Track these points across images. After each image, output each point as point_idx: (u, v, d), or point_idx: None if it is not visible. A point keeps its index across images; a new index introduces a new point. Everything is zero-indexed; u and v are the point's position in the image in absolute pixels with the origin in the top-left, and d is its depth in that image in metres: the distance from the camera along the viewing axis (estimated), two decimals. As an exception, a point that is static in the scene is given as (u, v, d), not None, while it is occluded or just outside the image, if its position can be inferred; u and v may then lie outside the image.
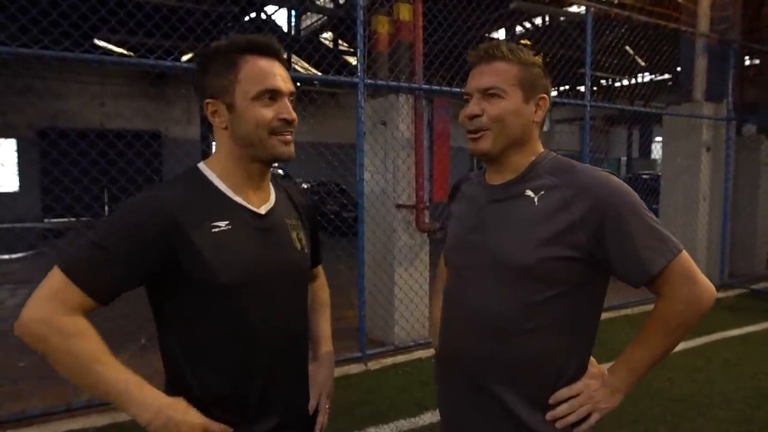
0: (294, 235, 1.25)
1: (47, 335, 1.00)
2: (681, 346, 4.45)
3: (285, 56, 1.18)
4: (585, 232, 1.13)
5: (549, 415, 1.18)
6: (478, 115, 1.21)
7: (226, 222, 1.12)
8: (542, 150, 1.27)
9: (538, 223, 1.16)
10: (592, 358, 1.25)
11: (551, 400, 1.19)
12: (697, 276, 1.13)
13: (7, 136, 15.17)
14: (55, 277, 1.02)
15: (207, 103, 1.15)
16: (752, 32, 7.05)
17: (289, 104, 1.15)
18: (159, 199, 1.08)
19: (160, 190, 1.10)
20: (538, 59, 1.24)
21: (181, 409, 1.05)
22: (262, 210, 1.20)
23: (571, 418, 1.18)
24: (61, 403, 3.31)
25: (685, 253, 1.14)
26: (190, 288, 1.09)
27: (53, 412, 3.27)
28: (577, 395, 1.18)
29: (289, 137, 1.16)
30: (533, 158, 1.25)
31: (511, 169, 1.25)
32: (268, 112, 1.12)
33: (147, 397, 1.03)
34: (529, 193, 1.20)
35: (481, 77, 1.21)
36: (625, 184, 1.17)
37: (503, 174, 1.26)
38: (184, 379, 1.13)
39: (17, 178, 15.64)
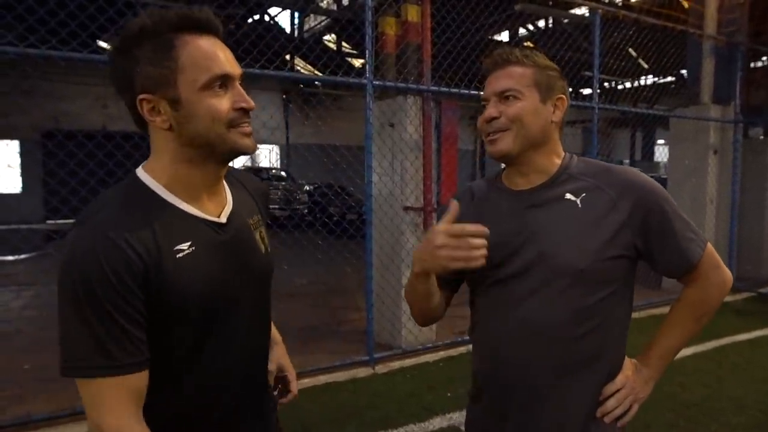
0: (257, 235, 1.13)
1: None
2: (691, 350, 4.42)
3: (221, 29, 0.98)
4: (632, 229, 1.16)
5: (599, 411, 1.21)
6: (495, 117, 1.21)
7: (188, 243, 0.96)
8: (563, 152, 1.27)
9: (591, 226, 1.17)
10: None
11: (601, 397, 1.22)
12: (720, 262, 1.24)
13: (11, 137, 15.20)
14: (84, 390, 0.88)
15: (141, 99, 0.93)
16: (759, 35, 7.01)
17: (242, 90, 0.98)
18: (107, 230, 0.88)
19: (99, 221, 0.89)
20: (552, 63, 1.26)
21: None
22: (222, 218, 1.04)
23: (618, 411, 1.21)
24: (66, 407, 3.28)
25: (709, 243, 1.24)
26: (160, 317, 0.94)
27: (58, 416, 3.24)
28: (621, 388, 1.22)
29: (248, 128, 0.99)
30: (559, 161, 1.25)
31: (537, 172, 1.24)
32: (223, 103, 0.94)
33: None
34: (570, 196, 1.20)
35: (497, 81, 1.22)
36: (651, 179, 1.22)
37: (528, 177, 1.25)
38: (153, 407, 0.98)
39: (20, 179, 15.68)
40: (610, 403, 1.20)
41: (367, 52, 4.09)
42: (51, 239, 11.56)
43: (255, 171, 15.99)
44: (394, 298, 4.62)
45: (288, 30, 17.15)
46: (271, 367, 1.29)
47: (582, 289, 1.16)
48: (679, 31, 6.25)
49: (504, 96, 1.20)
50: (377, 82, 4.17)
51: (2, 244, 8.68)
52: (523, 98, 1.19)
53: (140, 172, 0.99)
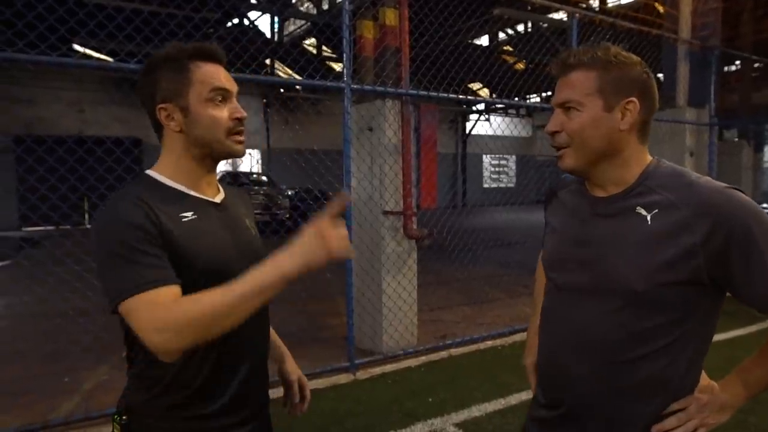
0: (247, 222, 1.33)
1: (185, 325, 0.99)
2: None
3: (227, 62, 1.25)
4: (706, 253, 1.03)
5: (655, 428, 1.11)
6: (557, 131, 1.15)
7: (191, 212, 1.17)
8: (649, 159, 1.16)
9: (654, 247, 1.06)
10: (702, 372, 1.17)
11: (663, 412, 1.11)
12: None
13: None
14: (136, 305, 1.02)
15: (160, 108, 1.18)
16: (733, 39, 7.15)
17: (237, 104, 1.22)
18: (130, 197, 1.10)
19: (123, 193, 1.13)
20: (633, 57, 1.14)
21: (316, 228, 1.04)
22: (217, 199, 1.27)
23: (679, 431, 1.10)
24: (37, 420, 3.18)
25: None
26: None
27: (30, 430, 3.13)
28: (686, 408, 1.11)
29: (241, 137, 1.23)
30: (640, 170, 1.14)
31: (613, 182, 1.15)
32: (223, 113, 1.19)
33: (284, 257, 1.03)
34: (641, 210, 1.10)
35: (559, 91, 1.16)
36: (753, 201, 1.06)
37: (604, 187, 1.17)
38: (157, 372, 1.14)
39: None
40: (669, 422, 1.10)
41: (344, 55, 4.05)
42: (22, 248, 11.29)
43: (235, 175, 15.84)
44: (375, 303, 4.58)
45: (268, 34, 17.06)
46: (293, 377, 1.47)
47: (637, 312, 1.08)
48: (654, 36, 6.33)
49: (565, 107, 1.14)
50: (355, 86, 4.14)
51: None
52: (582, 110, 1.11)
53: (148, 171, 1.23)
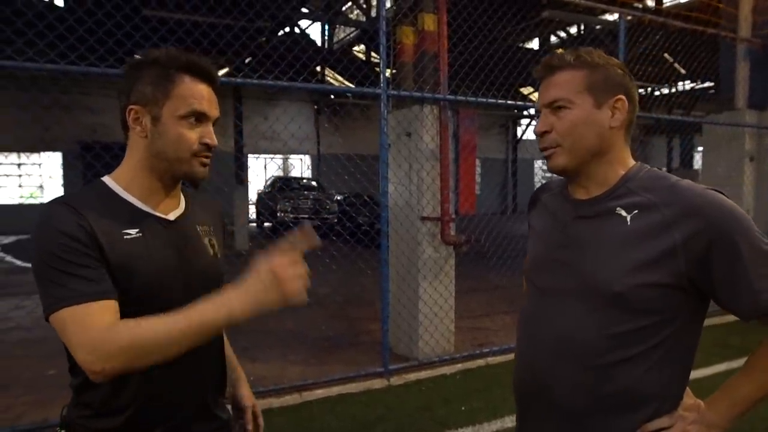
0: (206, 241, 1.25)
1: (118, 350, 0.96)
2: (725, 367, 4.22)
3: (218, 81, 1.19)
4: (687, 257, 1.02)
5: None
6: (547, 132, 1.14)
7: (136, 230, 1.11)
8: (633, 162, 1.16)
9: (633, 246, 1.05)
10: (687, 389, 1.14)
11: (640, 431, 1.08)
12: None
13: (53, 149, 15.81)
14: (66, 319, 0.98)
15: (131, 108, 1.12)
16: (798, 36, 6.71)
17: (212, 129, 1.16)
18: (70, 203, 1.06)
19: (64, 199, 1.07)
20: (613, 59, 1.15)
21: (267, 266, 0.98)
22: (171, 216, 1.19)
23: None
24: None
25: None
26: None
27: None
28: (670, 427, 1.07)
29: (207, 160, 1.16)
30: (623, 171, 1.14)
31: (598, 183, 1.15)
32: (192, 135, 1.13)
33: (234, 295, 0.98)
34: (621, 211, 1.09)
35: (546, 91, 1.15)
36: (737, 205, 1.04)
37: (588, 188, 1.17)
38: (90, 393, 1.09)
39: (63, 190, 16.27)
40: None
41: (381, 62, 4.09)
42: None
43: (286, 180, 16.19)
44: (411, 309, 4.57)
45: (318, 42, 17.38)
46: (247, 402, 1.37)
47: (617, 314, 1.06)
48: (710, 35, 6.04)
49: (554, 107, 1.13)
50: (392, 92, 4.16)
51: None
52: (573, 107, 1.11)
53: (105, 178, 1.17)
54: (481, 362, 4.57)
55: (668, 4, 10.90)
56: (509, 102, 4.83)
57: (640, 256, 1.04)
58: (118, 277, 1.05)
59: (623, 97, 1.12)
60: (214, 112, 1.16)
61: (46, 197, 16.41)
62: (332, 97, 18.78)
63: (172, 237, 1.17)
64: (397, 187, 4.66)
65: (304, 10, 14.38)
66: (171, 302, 1.06)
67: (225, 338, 1.37)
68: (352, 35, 17.57)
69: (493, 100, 4.66)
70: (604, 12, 9.55)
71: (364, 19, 15.42)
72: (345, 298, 6.95)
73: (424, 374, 4.31)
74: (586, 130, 1.11)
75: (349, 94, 18.21)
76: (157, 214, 1.17)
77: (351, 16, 16.41)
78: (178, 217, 1.20)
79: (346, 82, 18.14)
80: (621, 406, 1.08)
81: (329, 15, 14.50)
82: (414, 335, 4.57)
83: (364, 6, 14.86)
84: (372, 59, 17.82)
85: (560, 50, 1.21)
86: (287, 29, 14.68)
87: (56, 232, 1.01)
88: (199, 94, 1.13)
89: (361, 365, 4.35)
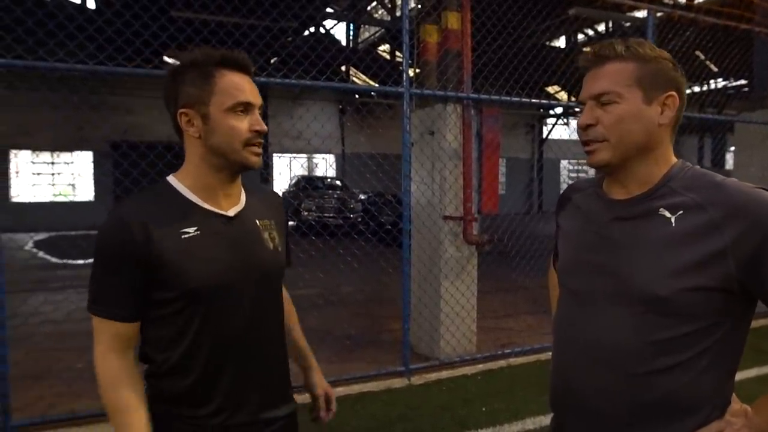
0: (266, 235, 1.29)
1: (99, 381, 1.16)
2: (755, 372, 4.11)
3: (253, 71, 1.25)
4: (736, 259, 0.97)
5: None
6: (591, 125, 1.09)
7: (195, 228, 1.17)
8: (674, 160, 1.11)
9: (678, 249, 1.00)
10: (734, 394, 1.10)
11: None
12: None
13: (83, 148, 16.17)
14: (95, 322, 1.16)
15: (181, 112, 1.18)
16: (837, 32, 6.48)
17: (259, 117, 1.21)
18: (125, 216, 1.14)
19: (125, 206, 1.16)
20: (664, 52, 1.09)
21: None
22: (231, 212, 1.23)
23: None
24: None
25: None
26: (163, 294, 1.15)
27: (102, 413, 3.35)
28: None
29: (258, 148, 1.21)
30: (665, 170, 1.09)
31: (639, 182, 1.09)
32: (242, 124, 1.17)
33: None
34: (665, 212, 1.04)
35: (593, 83, 1.09)
36: None
37: (628, 187, 1.11)
38: (149, 381, 1.22)
39: (93, 188, 16.64)
40: None
41: (404, 60, 4.08)
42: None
43: (309, 179, 16.28)
44: (432, 309, 4.55)
45: (343, 41, 17.44)
46: (318, 390, 1.50)
47: (661, 319, 1.01)
48: (743, 30, 5.87)
49: (601, 100, 1.07)
50: (415, 91, 4.15)
51: (76, 248, 9.20)
52: (622, 101, 1.05)
53: (170, 177, 1.24)
54: (502, 363, 4.53)
55: (699, 0, 10.64)
56: (533, 101, 4.78)
57: (687, 259, 0.99)
58: (176, 275, 1.13)
59: (674, 93, 1.07)
60: (257, 99, 1.20)
61: (78, 195, 16.81)
62: (356, 96, 18.83)
63: (231, 233, 1.21)
64: (419, 185, 4.65)
65: (329, 10, 14.44)
66: (231, 296, 1.19)
67: (296, 330, 1.51)
68: (376, 35, 17.58)
69: (517, 99, 4.62)
70: (632, 9, 9.36)
71: (388, 18, 15.42)
72: (367, 297, 6.96)
73: (445, 374, 4.29)
74: (635, 126, 1.05)
75: (372, 93, 18.24)
76: (218, 210, 1.21)
77: (376, 15, 16.42)
78: (238, 213, 1.24)
79: (370, 81, 18.17)
80: (666, 415, 1.04)
81: (353, 14, 14.53)
82: (435, 335, 4.55)
83: (389, 5, 14.86)
84: (396, 58, 17.81)
85: (608, 41, 1.15)
86: (312, 29, 14.78)
87: (108, 241, 1.14)
88: (240, 84, 1.18)
89: (382, 364, 4.35)
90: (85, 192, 16.83)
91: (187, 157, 1.23)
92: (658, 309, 1.01)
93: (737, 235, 0.97)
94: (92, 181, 16.73)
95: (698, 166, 1.10)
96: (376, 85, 16.11)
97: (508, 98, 4.51)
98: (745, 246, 0.97)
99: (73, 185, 17.04)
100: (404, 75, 4.08)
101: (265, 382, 1.27)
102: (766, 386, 3.92)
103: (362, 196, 15.20)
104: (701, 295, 0.99)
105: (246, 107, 1.18)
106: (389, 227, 7.68)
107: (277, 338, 1.31)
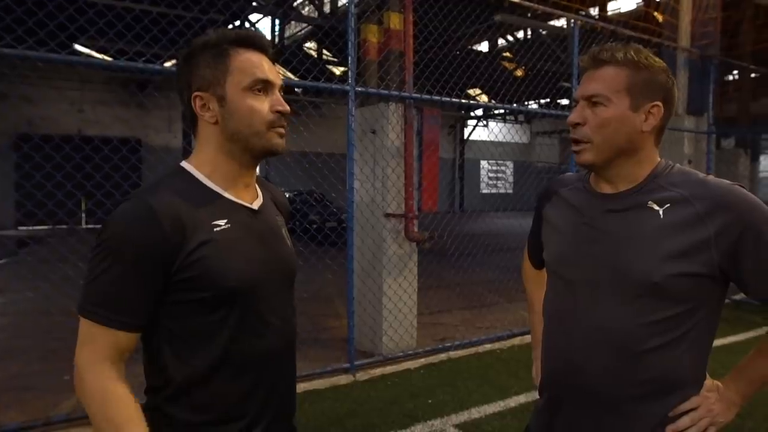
0: (284, 231, 1.23)
1: (80, 393, 1.00)
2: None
3: (270, 51, 1.15)
4: (719, 248, 1.08)
5: (669, 429, 1.14)
6: (579, 123, 1.17)
7: (225, 221, 1.07)
8: (660, 160, 1.20)
9: (668, 238, 1.10)
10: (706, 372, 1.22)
11: (671, 413, 1.14)
12: None
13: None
14: (81, 326, 1.00)
15: (195, 96, 1.09)
16: (731, 49, 7.21)
17: (280, 96, 1.12)
18: (156, 207, 1.00)
19: (150, 195, 1.02)
20: (659, 61, 1.16)
21: None
22: (255, 205, 1.15)
23: (692, 431, 1.14)
24: (39, 416, 3.19)
25: None
26: (189, 295, 1.02)
27: (31, 426, 3.14)
28: (697, 408, 1.15)
29: (282, 130, 1.12)
30: (650, 169, 1.18)
31: (625, 180, 1.18)
32: (263, 105, 1.08)
33: None
34: (653, 205, 1.13)
35: (588, 84, 1.16)
36: (758, 198, 1.11)
37: (614, 184, 1.19)
38: (170, 385, 1.05)
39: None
40: (683, 422, 1.13)
41: (349, 58, 4.09)
42: (24, 245, 11.29)
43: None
44: (375, 305, 4.61)
45: (268, 37, 17.11)
46: None
47: (654, 302, 1.10)
48: (654, 44, 6.39)
49: (591, 101, 1.15)
50: (359, 89, 4.17)
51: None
52: (609, 105, 1.13)
53: (184, 163, 1.12)
54: (443, 357, 4.66)
55: (611, 13, 11.42)
56: (472, 102, 4.94)
57: (676, 248, 1.09)
58: (213, 272, 1.02)
59: (659, 103, 1.14)
60: (277, 79, 1.12)
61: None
62: (296, 90, 18.55)
63: (257, 227, 1.13)
64: (362, 183, 4.68)
65: (255, 3, 14.15)
66: (265, 295, 1.10)
67: None
68: (303, 32, 17.40)
69: (456, 100, 4.77)
70: (555, 17, 9.91)
71: (316, 15, 15.32)
72: (308, 295, 6.91)
73: (388, 369, 4.36)
74: (617, 130, 1.13)
75: (297, 90, 18.02)
76: (244, 203, 1.12)
77: (303, 12, 16.25)
78: (260, 207, 1.16)
79: (296, 79, 17.94)
80: (657, 391, 1.14)
81: (282, 10, 14.31)
82: (378, 331, 4.61)
83: (317, 2, 14.76)
84: (324, 57, 17.71)
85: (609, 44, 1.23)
86: (237, 23, 14.39)
87: (121, 239, 0.98)
88: (258, 62, 1.09)
89: (325, 362, 4.34)
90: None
91: (200, 146, 1.12)
92: (652, 294, 1.10)
93: (720, 227, 1.07)
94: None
95: (679, 165, 1.21)
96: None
97: (449, 99, 4.65)
98: (726, 237, 1.07)
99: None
100: (350, 73, 4.09)
101: (290, 392, 1.20)
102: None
103: (288, 195, 15.03)
104: (689, 280, 1.09)
105: (265, 85, 1.09)
106: (319, 225, 7.66)
107: (295, 341, 1.22)
